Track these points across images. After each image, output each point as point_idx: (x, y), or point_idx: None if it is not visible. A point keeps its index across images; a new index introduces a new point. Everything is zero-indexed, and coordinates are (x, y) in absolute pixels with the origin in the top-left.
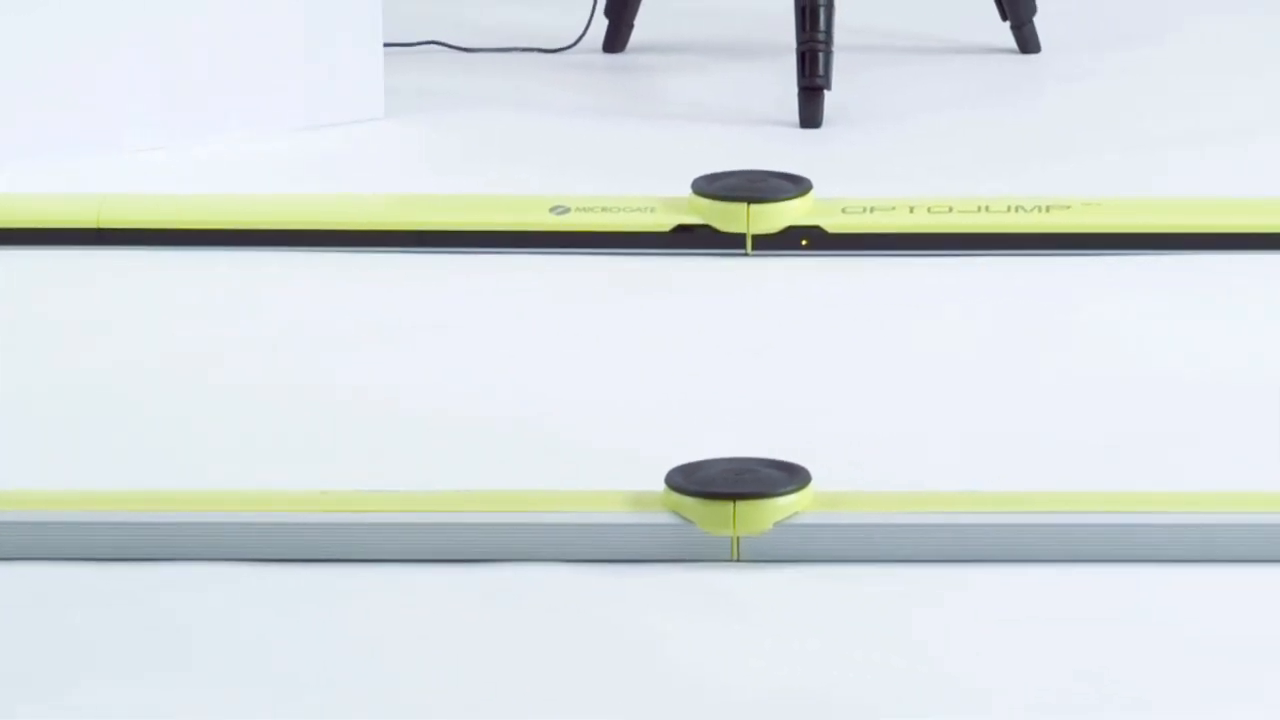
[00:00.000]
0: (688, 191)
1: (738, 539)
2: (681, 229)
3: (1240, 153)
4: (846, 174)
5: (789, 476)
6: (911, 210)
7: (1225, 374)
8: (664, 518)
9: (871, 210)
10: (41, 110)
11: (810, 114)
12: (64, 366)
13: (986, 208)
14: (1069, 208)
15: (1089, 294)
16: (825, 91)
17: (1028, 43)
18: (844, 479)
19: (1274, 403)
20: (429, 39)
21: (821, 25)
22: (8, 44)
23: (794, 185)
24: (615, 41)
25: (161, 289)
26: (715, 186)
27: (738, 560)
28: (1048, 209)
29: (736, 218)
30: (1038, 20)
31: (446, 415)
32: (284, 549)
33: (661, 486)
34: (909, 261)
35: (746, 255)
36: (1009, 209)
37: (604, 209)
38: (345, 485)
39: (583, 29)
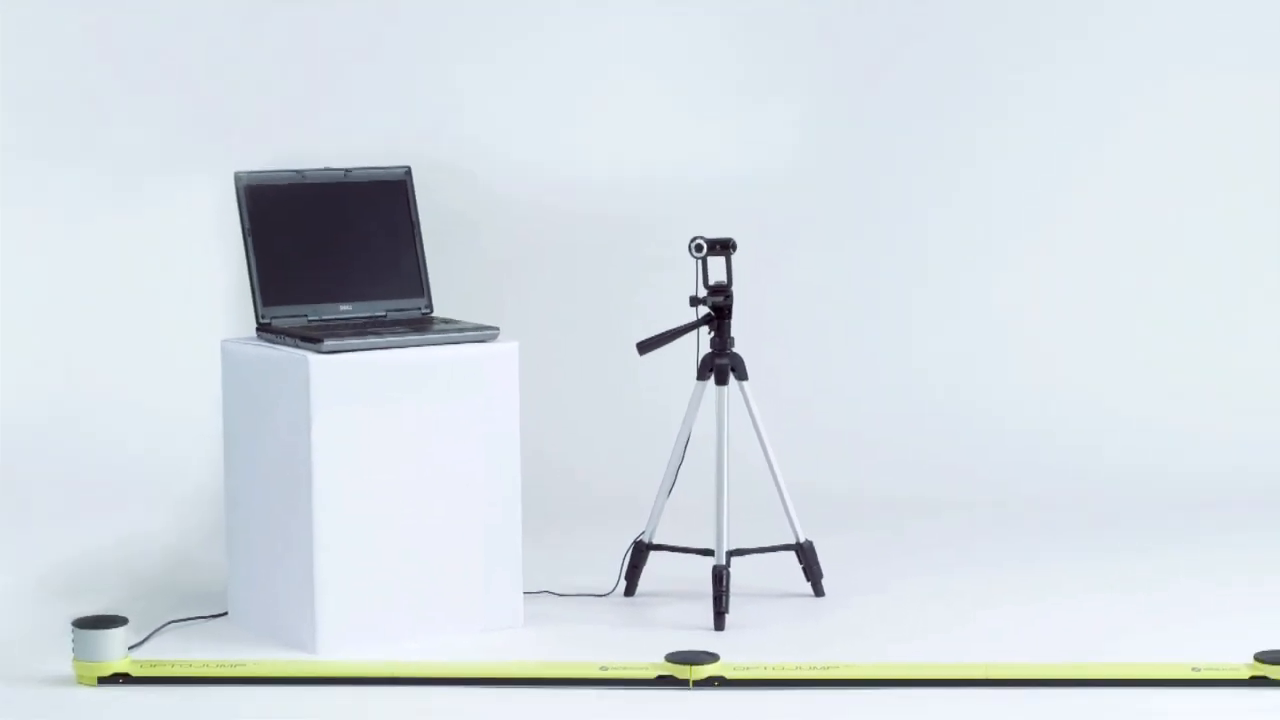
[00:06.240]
0: (662, 659)
1: None
2: (660, 677)
3: (963, 628)
4: (737, 652)
5: None
6: (766, 668)
7: None
8: None
9: (748, 669)
10: (345, 623)
11: (719, 623)
12: None
13: (807, 667)
14: (850, 666)
15: (868, 709)
16: (726, 614)
17: (820, 591)
18: None
19: None
20: (540, 589)
21: (724, 584)
22: (330, 576)
23: (711, 656)
24: (630, 590)
25: (407, 705)
26: (675, 656)
27: None
28: (838, 667)
29: (685, 672)
30: (824, 580)
31: None
32: None
33: None
34: (768, 692)
35: (690, 689)
36: (823, 667)
37: (623, 668)
38: None
39: (614, 586)
